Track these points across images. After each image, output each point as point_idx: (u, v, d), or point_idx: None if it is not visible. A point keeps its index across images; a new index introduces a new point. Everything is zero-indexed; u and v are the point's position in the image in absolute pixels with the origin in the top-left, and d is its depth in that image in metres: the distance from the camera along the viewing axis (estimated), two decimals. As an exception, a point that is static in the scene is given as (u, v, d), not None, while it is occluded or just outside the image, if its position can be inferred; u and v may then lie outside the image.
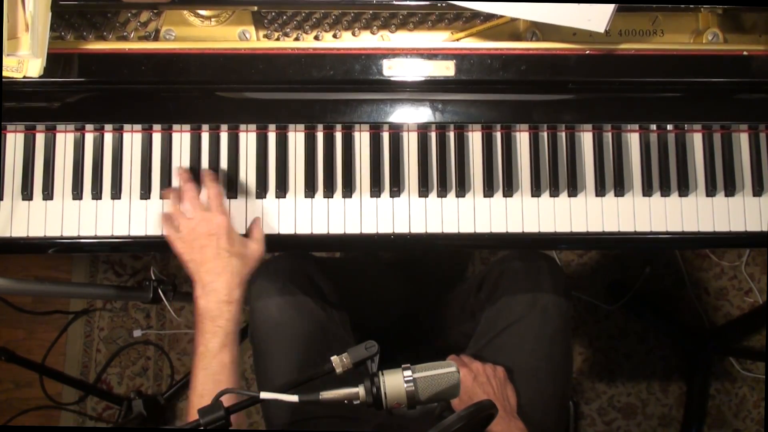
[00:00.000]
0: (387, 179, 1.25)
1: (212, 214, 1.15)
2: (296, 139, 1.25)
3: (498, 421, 1.12)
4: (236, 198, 1.24)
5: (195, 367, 1.08)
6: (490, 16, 1.18)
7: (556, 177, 1.24)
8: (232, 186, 1.23)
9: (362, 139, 1.25)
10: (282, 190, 1.24)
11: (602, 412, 2.08)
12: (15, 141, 1.24)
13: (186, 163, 1.24)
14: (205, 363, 1.07)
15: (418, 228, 1.24)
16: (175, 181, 1.24)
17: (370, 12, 1.19)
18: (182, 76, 1.16)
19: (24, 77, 1.11)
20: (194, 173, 1.23)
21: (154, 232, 1.23)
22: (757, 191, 1.26)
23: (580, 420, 2.06)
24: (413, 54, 1.16)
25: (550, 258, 1.38)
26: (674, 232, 1.24)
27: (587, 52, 1.17)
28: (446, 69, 1.16)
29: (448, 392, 0.89)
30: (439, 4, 1.16)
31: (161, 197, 1.23)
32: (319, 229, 1.23)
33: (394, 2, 1.16)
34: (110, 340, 2.11)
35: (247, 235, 1.20)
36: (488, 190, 1.24)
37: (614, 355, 2.10)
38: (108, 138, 1.24)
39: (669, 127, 1.26)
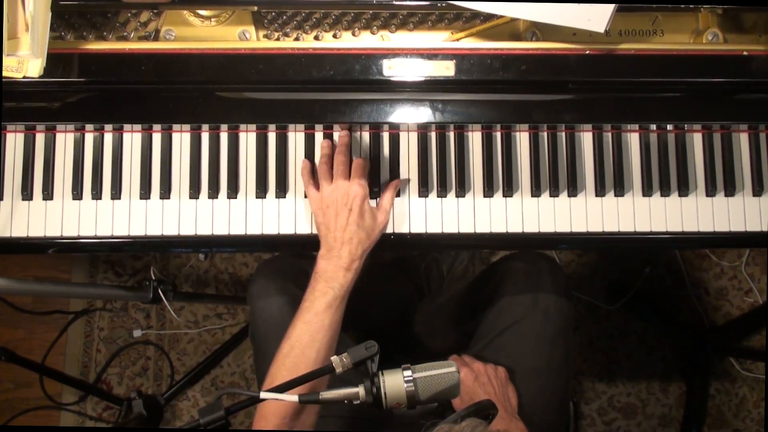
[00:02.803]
0: (387, 179, 1.24)
1: (351, 185, 1.17)
2: (296, 139, 1.25)
3: (498, 421, 1.12)
4: (236, 198, 1.24)
5: (296, 320, 1.11)
6: (490, 16, 1.18)
7: (556, 177, 1.24)
8: (231, 186, 1.23)
9: (362, 139, 1.25)
10: (282, 190, 1.24)
11: (602, 412, 2.08)
12: (15, 141, 1.24)
13: (186, 163, 1.24)
14: (308, 318, 1.10)
15: (418, 228, 1.24)
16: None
17: (370, 12, 1.19)
18: (182, 76, 1.16)
19: (24, 77, 1.11)
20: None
21: (154, 232, 1.23)
22: (757, 191, 1.25)
23: (580, 420, 2.06)
24: (413, 54, 1.16)
25: (550, 258, 1.38)
26: (674, 232, 1.24)
27: (587, 52, 1.17)
28: (446, 69, 1.16)
29: (448, 392, 0.89)
30: (439, 4, 1.16)
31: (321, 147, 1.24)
32: (319, 229, 1.23)
33: (394, 2, 1.16)
34: (110, 340, 2.11)
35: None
36: (488, 190, 1.24)
37: (614, 355, 2.10)
38: (108, 138, 1.24)
39: (669, 127, 1.26)
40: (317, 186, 1.20)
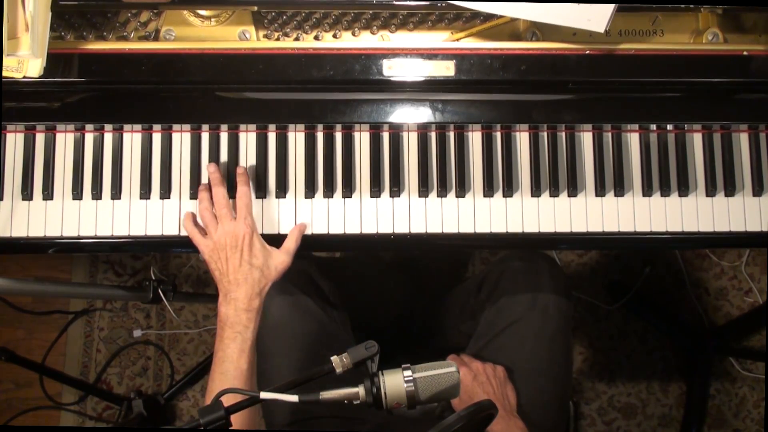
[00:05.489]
0: (387, 179, 1.25)
1: (237, 225, 1.16)
2: (296, 139, 1.25)
3: (498, 420, 1.12)
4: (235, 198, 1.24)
5: (213, 372, 1.10)
6: (490, 16, 1.18)
7: (556, 177, 1.24)
8: (231, 186, 1.23)
9: (362, 139, 1.25)
10: (282, 190, 1.24)
11: (602, 412, 2.08)
12: (15, 141, 1.24)
13: (186, 163, 1.24)
14: (224, 368, 1.09)
15: (418, 228, 1.24)
16: (201, 178, 1.24)
17: (370, 12, 1.19)
18: (182, 76, 1.16)
19: (24, 77, 1.11)
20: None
21: (154, 232, 1.23)
22: (757, 191, 1.25)
23: (580, 420, 2.06)
24: (413, 54, 1.16)
25: (550, 258, 1.38)
26: (674, 232, 1.24)
27: (587, 52, 1.17)
28: (446, 69, 1.16)
29: (448, 392, 0.89)
30: (439, 4, 1.16)
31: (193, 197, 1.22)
32: (319, 229, 1.23)
33: (394, 2, 1.16)
34: (110, 340, 2.11)
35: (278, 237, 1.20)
36: (488, 190, 1.24)
37: (614, 355, 2.10)
38: (108, 138, 1.24)
39: (669, 127, 1.26)
40: (203, 233, 1.19)
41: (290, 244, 1.20)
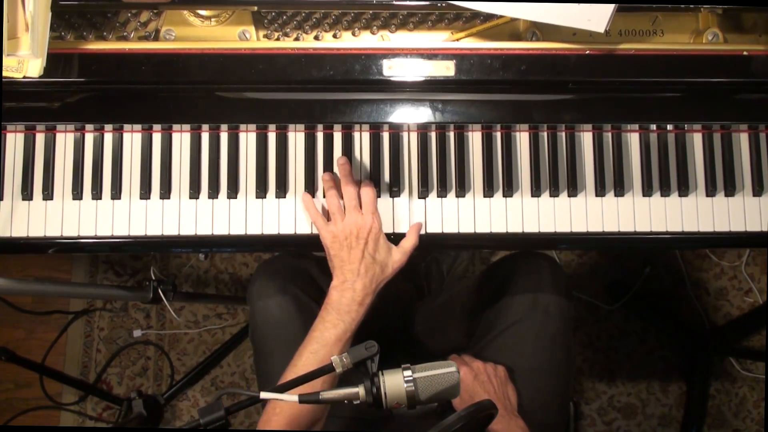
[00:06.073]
0: (387, 179, 1.25)
1: (366, 218, 1.16)
2: (296, 139, 1.25)
3: (499, 419, 1.12)
4: (236, 198, 1.24)
5: (303, 348, 1.11)
6: (490, 16, 1.18)
7: (556, 177, 1.24)
8: (231, 186, 1.23)
9: (362, 139, 1.25)
10: (282, 190, 1.24)
11: (602, 412, 2.08)
12: (15, 141, 1.24)
13: (186, 163, 1.24)
14: (315, 348, 1.10)
15: (418, 228, 1.24)
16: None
17: (370, 12, 1.19)
18: (182, 76, 1.16)
19: (24, 77, 1.11)
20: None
21: (154, 232, 1.23)
22: (757, 191, 1.25)
23: (580, 420, 2.07)
24: (413, 54, 1.16)
25: (550, 258, 1.38)
26: (674, 232, 1.24)
27: (587, 52, 1.17)
28: (446, 69, 1.16)
29: (448, 392, 0.89)
30: (439, 4, 1.16)
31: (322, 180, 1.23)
32: (320, 229, 1.23)
33: (394, 2, 1.16)
34: (110, 340, 2.11)
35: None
36: (488, 190, 1.24)
37: (614, 355, 2.10)
38: (108, 138, 1.24)
39: (669, 127, 1.26)
40: (326, 219, 1.19)
41: (408, 244, 1.20)
